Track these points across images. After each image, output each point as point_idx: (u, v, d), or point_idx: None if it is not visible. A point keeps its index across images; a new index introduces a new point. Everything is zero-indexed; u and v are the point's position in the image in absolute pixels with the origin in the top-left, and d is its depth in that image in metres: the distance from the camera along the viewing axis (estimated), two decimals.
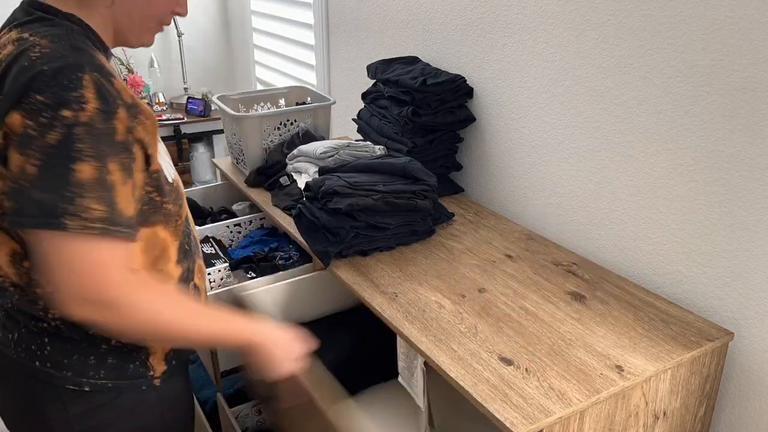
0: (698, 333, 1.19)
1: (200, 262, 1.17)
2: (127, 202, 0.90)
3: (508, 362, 1.10)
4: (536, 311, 1.25)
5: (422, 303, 1.28)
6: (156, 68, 3.28)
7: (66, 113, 0.83)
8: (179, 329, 0.97)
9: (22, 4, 0.98)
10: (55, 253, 0.85)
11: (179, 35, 3.30)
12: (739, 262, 1.20)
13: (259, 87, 3.20)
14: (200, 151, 3.42)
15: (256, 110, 2.06)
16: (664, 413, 1.16)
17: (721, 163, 1.20)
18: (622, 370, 1.08)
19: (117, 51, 2.98)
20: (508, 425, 0.96)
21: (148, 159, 0.95)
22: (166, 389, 1.10)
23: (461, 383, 1.05)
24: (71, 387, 1.01)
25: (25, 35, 0.90)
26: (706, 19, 1.16)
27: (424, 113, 1.68)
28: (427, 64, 1.83)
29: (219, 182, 2.19)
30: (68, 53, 0.87)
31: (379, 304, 1.28)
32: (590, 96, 1.42)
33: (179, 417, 1.16)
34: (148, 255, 1.01)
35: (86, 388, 1.01)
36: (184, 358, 1.14)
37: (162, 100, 3.32)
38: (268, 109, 2.05)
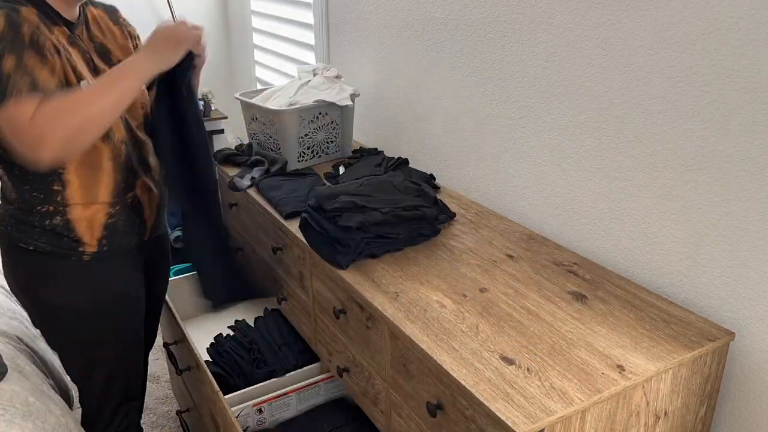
0: (699, 333, 1.19)
1: (146, 180, 1.58)
2: (47, 79, 1.28)
3: (509, 362, 1.10)
4: (537, 311, 1.25)
5: (423, 302, 1.28)
6: None
7: None
8: (91, 106, 1.30)
9: None
10: (3, 121, 1.25)
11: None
12: (740, 262, 1.20)
13: (259, 87, 3.19)
14: None
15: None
16: (665, 413, 1.17)
17: (721, 163, 1.20)
18: (624, 370, 1.08)
19: None
20: (510, 424, 0.97)
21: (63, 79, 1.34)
22: (96, 267, 1.52)
23: (463, 383, 1.05)
24: (22, 245, 1.47)
25: None
26: (706, 19, 1.17)
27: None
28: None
29: None
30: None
31: (380, 303, 1.28)
32: (590, 96, 1.42)
33: (107, 296, 1.55)
34: (83, 164, 1.43)
35: (30, 248, 1.46)
36: (116, 246, 1.54)
37: None
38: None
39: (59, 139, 1.25)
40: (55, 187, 1.43)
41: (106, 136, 1.44)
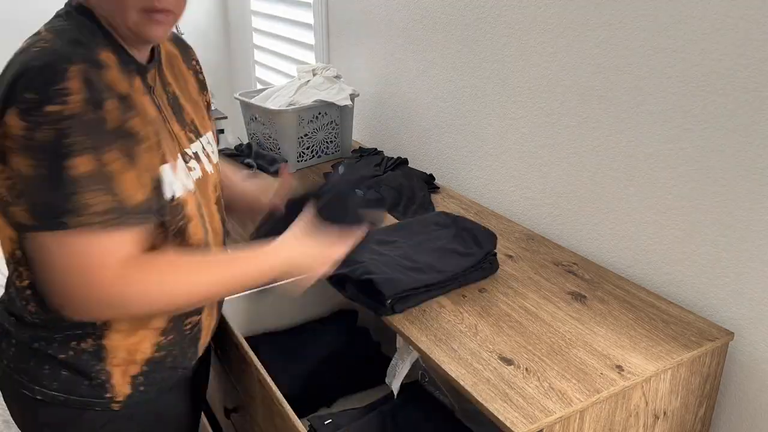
0: (698, 333, 1.19)
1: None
2: (133, 188, 0.87)
3: (508, 362, 1.10)
4: (536, 311, 1.25)
5: (423, 303, 1.28)
6: None
7: (51, 108, 0.80)
8: (193, 293, 0.93)
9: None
10: (54, 254, 0.83)
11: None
12: (740, 262, 1.20)
13: (259, 87, 3.19)
14: None
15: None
16: (665, 413, 1.17)
17: (721, 163, 1.20)
18: (623, 370, 1.08)
19: None
20: (508, 425, 0.96)
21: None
22: (134, 413, 1.04)
23: (461, 383, 1.05)
24: (26, 392, 0.99)
25: (42, 31, 0.90)
26: (706, 20, 1.16)
27: None
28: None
29: None
30: (61, 47, 0.85)
31: None
32: (590, 96, 1.42)
33: None
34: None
35: (38, 397, 0.98)
36: (156, 385, 1.05)
37: None
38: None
39: (134, 312, 0.91)
40: None
41: (176, 245, 0.99)
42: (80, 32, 0.89)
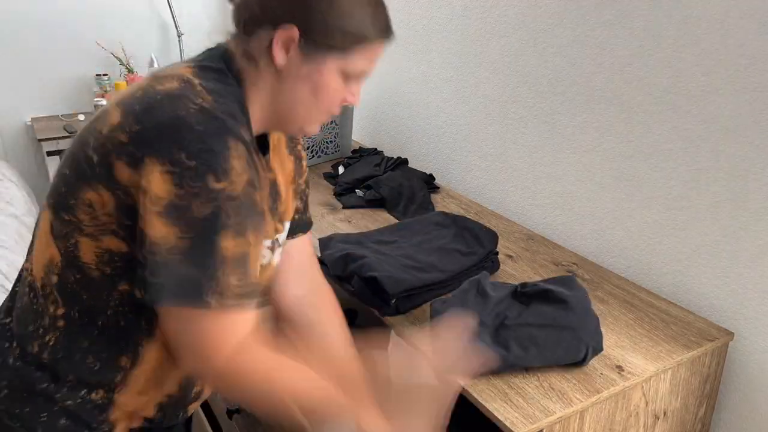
0: (698, 333, 1.19)
1: None
2: (255, 269, 0.83)
3: None
4: None
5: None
6: (156, 68, 3.28)
7: (215, 185, 0.74)
8: (283, 403, 0.87)
9: (214, 50, 0.89)
10: (188, 325, 0.79)
11: (179, 35, 3.30)
12: (740, 263, 1.20)
13: None
14: None
15: None
16: (665, 413, 1.16)
17: (721, 163, 1.20)
18: (623, 370, 1.08)
19: (118, 50, 2.99)
20: (508, 425, 0.96)
21: None
22: None
23: (462, 382, 1.05)
24: (8, 422, 0.89)
25: (195, 80, 0.81)
26: (706, 19, 1.16)
27: None
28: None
29: None
30: (224, 116, 0.78)
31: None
32: (590, 96, 1.42)
33: None
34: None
35: (18, 425, 0.88)
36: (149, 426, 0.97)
37: None
38: None
39: (236, 396, 0.86)
40: (123, 362, 0.89)
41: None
42: (234, 103, 0.83)
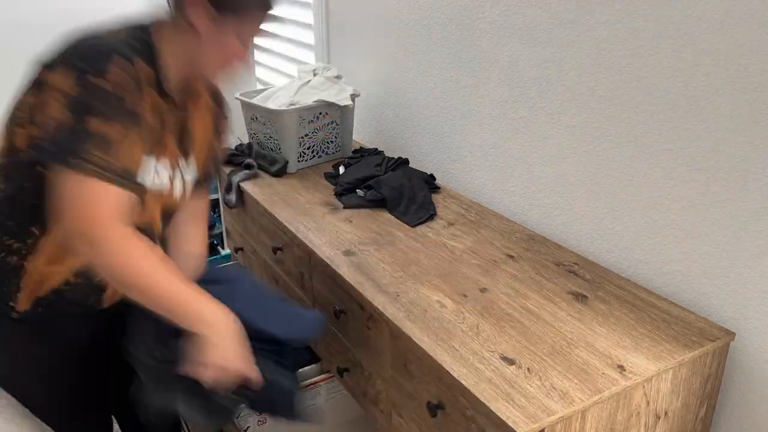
0: (699, 333, 1.19)
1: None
2: (129, 159, 1.07)
3: (510, 362, 1.10)
4: (538, 311, 1.25)
5: (424, 303, 1.28)
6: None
7: (92, 79, 1.03)
8: (145, 285, 1.09)
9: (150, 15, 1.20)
10: (61, 188, 1.04)
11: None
12: (741, 262, 1.20)
13: (259, 87, 3.19)
14: None
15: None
16: (666, 413, 1.17)
17: (721, 163, 1.20)
18: (624, 370, 1.08)
19: None
20: (510, 424, 0.97)
21: None
22: (27, 327, 1.24)
23: (463, 383, 1.05)
24: None
25: (122, 31, 1.14)
26: (707, 20, 1.17)
27: None
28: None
29: None
30: (122, 45, 1.09)
31: (380, 303, 1.28)
32: (590, 96, 1.42)
33: (38, 358, 1.29)
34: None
35: None
36: (57, 309, 1.24)
37: None
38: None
39: (104, 267, 1.08)
40: (33, 229, 1.17)
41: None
42: (142, 45, 1.13)
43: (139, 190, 1.14)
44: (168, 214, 1.32)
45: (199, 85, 1.32)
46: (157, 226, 1.29)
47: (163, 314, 1.11)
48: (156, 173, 1.21)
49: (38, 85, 1.08)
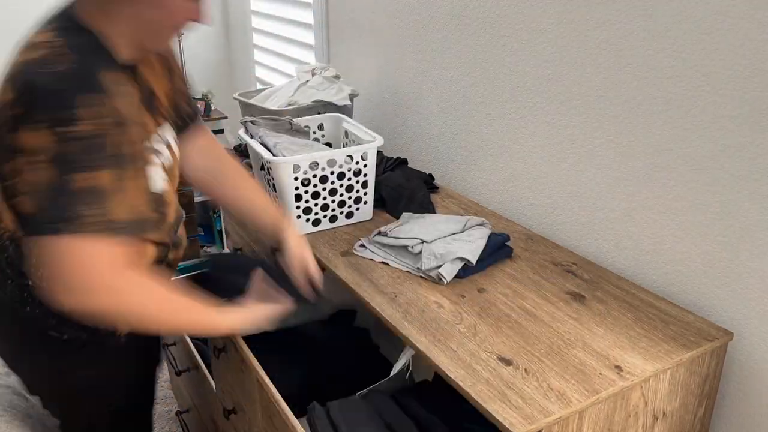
0: (697, 333, 1.18)
1: (179, 239, 1.30)
2: (120, 209, 0.99)
3: (507, 362, 1.10)
4: (535, 311, 1.25)
5: (422, 303, 1.28)
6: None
7: (61, 130, 0.93)
8: (159, 322, 1.10)
9: (57, 10, 1.06)
10: (50, 253, 0.95)
11: (179, 35, 3.30)
12: (740, 262, 1.20)
13: (259, 87, 3.19)
14: None
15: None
16: (664, 413, 1.16)
17: (721, 163, 1.19)
18: (622, 370, 1.08)
19: None
20: (507, 425, 0.96)
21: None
22: (129, 343, 1.25)
23: (460, 383, 1.05)
24: (54, 334, 1.16)
25: (57, 42, 0.99)
26: (707, 20, 1.16)
27: None
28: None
29: None
30: (71, 73, 0.96)
31: (378, 304, 1.28)
32: (590, 96, 1.42)
33: (140, 365, 1.36)
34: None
35: (65, 337, 1.16)
36: None
37: None
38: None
39: (112, 314, 1.05)
40: None
41: (154, 229, 1.16)
42: (90, 54, 1.01)
43: (140, 234, 1.08)
44: (176, 186, 1.29)
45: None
46: (178, 212, 1.27)
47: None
48: (161, 166, 1.17)
49: (12, 152, 0.97)
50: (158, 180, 1.14)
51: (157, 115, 1.19)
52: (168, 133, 1.23)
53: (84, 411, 1.33)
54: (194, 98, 1.36)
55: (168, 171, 1.19)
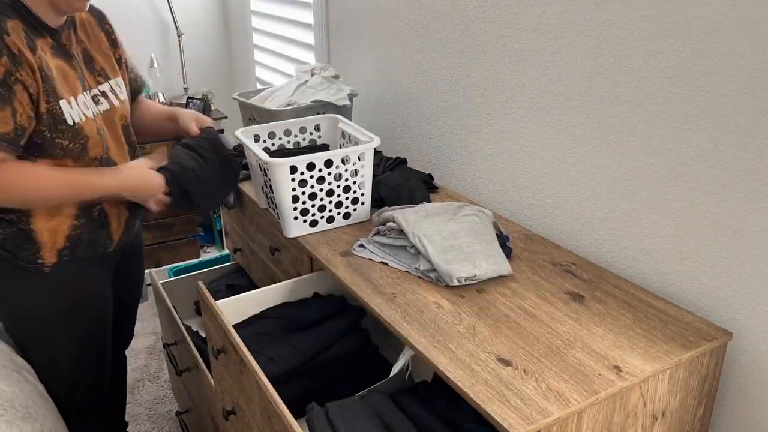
0: (697, 333, 1.18)
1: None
2: (2, 123, 1.27)
3: (506, 363, 1.10)
4: (534, 311, 1.25)
5: (421, 303, 1.28)
6: (156, 68, 3.28)
7: None
8: (51, 195, 1.38)
9: None
10: None
11: (179, 35, 3.30)
12: (739, 262, 1.20)
13: (259, 87, 3.19)
14: None
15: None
16: (663, 414, 1.16)
17: (721, 163, 1.19)
18: (621, 371, 1.08)
19: None
20: (506, 426, 0.96)
21: (37, 102, 1.32)
22: (57, 275, 1.50)
23: (459, 384, 1.05)
24: None
25: None
26: (706, 20, 1.16)
27: None
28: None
29: None
30: None
31: (377, 304, 1.28)
32: (590, 96, 1.42)
33: (68, 302, 1.55)
34: None
35: None
36: (79, 257, 1.52)
37: (162, 100, 3.32)
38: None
39: (6, 202, 1.36)
40: None
41: (78, 156, 1.43)
42: (5, 11, 1.29)
43: (71, 133, 1.39)
44: (127, 129, 1.60)
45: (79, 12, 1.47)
46: (112, 150, 1.52)
47: (85, 199, 1.45)
48: (83, 107, 1.43)
49: None
50: (74, 113, 1.40)
51: (94, 72, 1.51)
52: (109, 87, 1.54)
53: (39, 345, 1.58)
54: (141, 77, 1.79)
55: (104, 114, 1.50)
